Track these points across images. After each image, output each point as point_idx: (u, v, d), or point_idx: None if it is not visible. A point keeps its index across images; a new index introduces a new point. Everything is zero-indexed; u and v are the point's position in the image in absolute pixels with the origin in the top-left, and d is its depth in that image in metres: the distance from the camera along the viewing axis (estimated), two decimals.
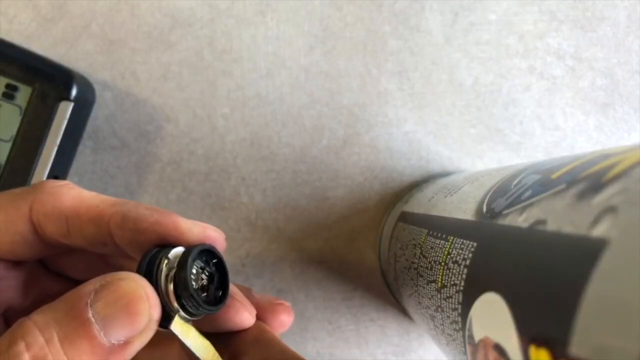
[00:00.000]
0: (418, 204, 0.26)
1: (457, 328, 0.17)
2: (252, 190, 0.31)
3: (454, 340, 0.18)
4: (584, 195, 0.12)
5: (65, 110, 0.26)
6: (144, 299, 0.15)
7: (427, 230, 0.22)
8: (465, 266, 0.17)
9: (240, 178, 0.31)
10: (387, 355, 0.32)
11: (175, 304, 0.16)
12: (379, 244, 0.31)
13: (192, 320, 0.16)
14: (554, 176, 0.15)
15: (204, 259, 0.17)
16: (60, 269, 0.20)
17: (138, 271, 0.16)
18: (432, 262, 0.20)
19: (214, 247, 0.17)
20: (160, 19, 0.31)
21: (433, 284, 0.20)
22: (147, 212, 0.17)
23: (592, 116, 0.32)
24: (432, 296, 0.20)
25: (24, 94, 0.26)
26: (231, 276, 0.17)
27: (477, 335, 0.15)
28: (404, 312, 0.32)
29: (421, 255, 0.22)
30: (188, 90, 0.31)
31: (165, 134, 0.31)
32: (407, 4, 0.31)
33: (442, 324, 0.19)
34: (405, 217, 0.27)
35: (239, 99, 0.31)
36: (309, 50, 0.31)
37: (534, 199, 0.15)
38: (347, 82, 0.31)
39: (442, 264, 0.19)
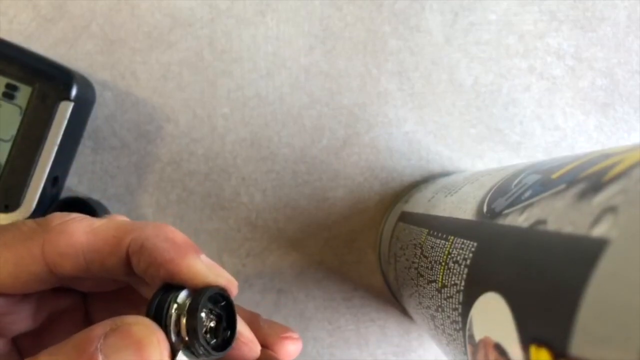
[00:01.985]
0: (418, 204, 0.26)
1: (458, 328, 0.17)
2: (252, 190, 0.31)
3: (454, 340, 0.18)
4: (584, 195, 0.12)
5: (65, 110, 0.26)
6: (155, 346, 0.14)
7: (427, 230, 0.22)
8: (465, 266, 0.17)
9: (240, 178, 0.31)
10: (387, 355, 0.32)
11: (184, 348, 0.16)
12: (379, 244, 0.31)
13: None
14: (554, 176, 0.15)
15: (212, 299, 0.17)
16: (68, 284, 0.20)
17: (147, 313, 0.15)
18: (433, 262, 0.20)
19: (223, 289, 0.17)
20: (160, 19, 0.31)
21: (433, 284, 0.20)
22: (164, 246, 0.16)
23: (592, 116, 0.32)
24: (432, 296, 0.20)
25: (24, 94, 0.26)
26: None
27: (478, 335, 0.15)
28: (404, 312, 0.32)
29: (421, 255, 0.22)
30: (188, 90, 0.31)
31: (165, 134, 0.31)
32: (407, 4, 0.31)
33: (442, 324, 0.19)
34: (405, 217, 0.27)
35: (239, 99, 0.31)
36: (309, 50, 0.31)
37: (534, 199, 0.15)
38: (347, 82, 0.31)
39: (443, 263, 0.19)
